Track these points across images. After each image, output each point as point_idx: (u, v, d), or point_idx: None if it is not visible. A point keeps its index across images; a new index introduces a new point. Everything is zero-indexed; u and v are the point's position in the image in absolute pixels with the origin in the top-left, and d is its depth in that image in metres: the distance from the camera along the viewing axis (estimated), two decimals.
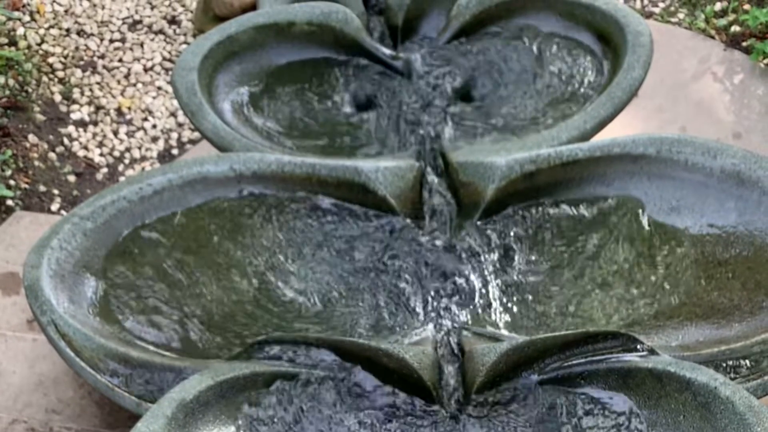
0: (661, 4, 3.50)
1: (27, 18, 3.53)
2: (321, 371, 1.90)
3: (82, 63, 3.41)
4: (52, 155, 3.11)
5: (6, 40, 3.40)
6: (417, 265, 2.21)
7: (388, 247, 2.25)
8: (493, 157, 2.27)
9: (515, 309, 2.14)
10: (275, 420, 1.85)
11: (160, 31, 3.52)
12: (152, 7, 3.59)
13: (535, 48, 2.65)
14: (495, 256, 2.22)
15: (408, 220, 2.27)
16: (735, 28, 3.31)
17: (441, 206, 2.31)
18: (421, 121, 2.57)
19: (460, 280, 2.18)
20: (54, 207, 2.98)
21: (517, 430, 1.88)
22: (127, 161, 3.15)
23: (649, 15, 3.46)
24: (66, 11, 3.58)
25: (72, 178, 3.07)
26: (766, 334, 1.91)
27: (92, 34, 3.51)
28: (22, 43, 3.40)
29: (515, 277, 2.19)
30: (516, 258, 2.22)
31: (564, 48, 2.62)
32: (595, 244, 2.21)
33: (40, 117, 3.21)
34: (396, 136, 2.55)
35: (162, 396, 1.78)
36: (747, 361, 1.88)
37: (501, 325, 2.10)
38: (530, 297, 2.16)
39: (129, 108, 3.28)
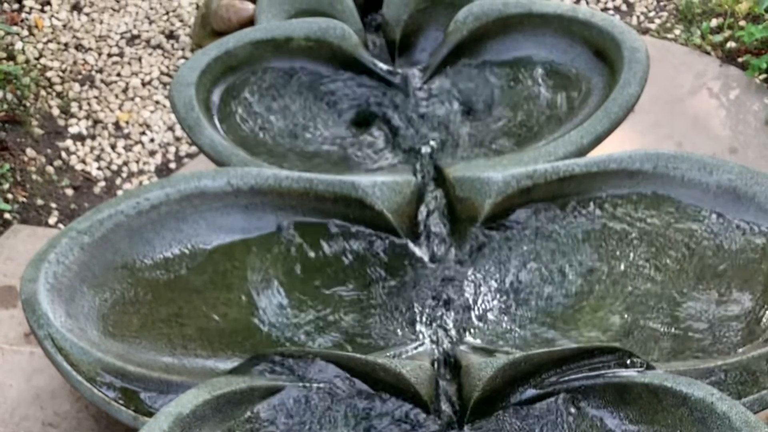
0: (657, 21, 3.51)
1: (25, 32, 3.54)
2: (318, 385, 1.90)
3: (80, 77, 3.42)
4: (49, 169, 3.11)
5: (4, 55, 3.40)
6: (414, 280, 2.22)
7: (384, 262, 2.25)
8: (489, 172, 2.27)
9: (512, 323, 2.14)
10: None
11: (158, 46, 3.53)
12: (150, 22, 3.60)
13: (529, 68, 2.67)
14: (492, 271, 2.22)
15: (405, 235, 2.28)
16: (731, 44, 3.33)
17: (438, 221, 2.31)
18: (418, 137, 2.58)
19: (457, 295, 2.18)
20: (51, 220, 2.98)
21: None
22: (124, 175, 3.15)
23: (645, 31, 3.47)
24: (64, 26, 3.59)
25: (70, 192, 3.08)
26: (763, 348, 1.91)
27: (90, 49, 3.52)
28: (21, 58, 3.41)
29: (512, 292, 2.20)
30: (513, 272, 2.22)
31: (558, 72, 2.64)
32: (591, 258, 2.22)
33: (38, 131, 3.21)
34: (393, 152, 2.56)
35: (159, 410, 1.78)
36: (743, 376, 1.88)
37: (498, 339, 2.11)
38: (527, 311, 2.16)
39: (127, 122, 3.29)
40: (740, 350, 1.97)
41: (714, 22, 3.42)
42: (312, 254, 2.26)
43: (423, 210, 2.33)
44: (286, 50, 2.68)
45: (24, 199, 3.00)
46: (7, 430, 2.22)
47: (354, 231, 2.29)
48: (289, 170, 2.30)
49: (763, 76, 3.22)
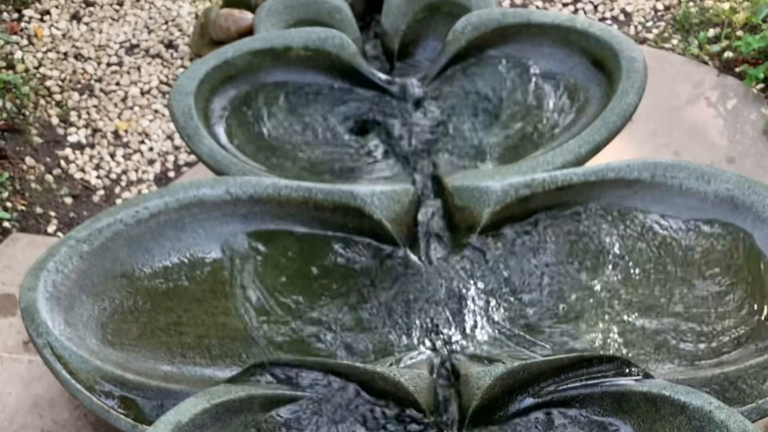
0: (655, 30, 3.52)
1: (25, 42, 3.55)
2: (317, 394, 1.90)
3: (79, 86, 3.42)
4: (48, 177, 3.12)
5: (4, 64, 3.41)
6: (412, 289, 2.22)
7: (383, 271, 2.26)
8: (488, 181, 2.28)
9: (511, 332, 2.14)
10: None
11: (158, 55, 3.53)
12: (150, 32, 3.61)
13: (527, 78, 2.68)
14: (490, 280, 2.23)
15: (403, 244, 2.28)
16: (728, 54, 3.34)
17: (436, 230, 2.32)
18: (416, 146, 2.58)
19: (456, 304, 2.18)
20: (50, 229, 2.98)
21: None
22: (123, 184, 3.16)
23: (643, 41, 3.48)
24: (64, 35, 3.60)
25: (69, 200, 3.08)
26: (761, 357, 1.92)
27: (90, 58, 3.52)
28: (20, 67, 3.42)
29: (511, 301, 2.20)
30: (511, 281, 2.23)
31: (556, 81, 2.64)
32: (589, 267, 2.22)
33: (37, 139, 3.22)
34: (391, 161, 2.56)
35: (157, 418, 1.78)
36: (742, 385, 1.89)
37: (496, 348, 2.11)
38: (525, 320, 2.16)
39: (126, 131, 3.29)
40: (738, 359, 1.97)
41: (711, 32, 3.43)
42: (310, 263, 2.26)
43: (421, 219, 2.33)
44: (285, 60, 2.68)
45: (23, 208, 3.01)
46: None
47: (353, 240, 2.29)
48: (287, 179, 2.30)
49: (761, 85, 3.23)
